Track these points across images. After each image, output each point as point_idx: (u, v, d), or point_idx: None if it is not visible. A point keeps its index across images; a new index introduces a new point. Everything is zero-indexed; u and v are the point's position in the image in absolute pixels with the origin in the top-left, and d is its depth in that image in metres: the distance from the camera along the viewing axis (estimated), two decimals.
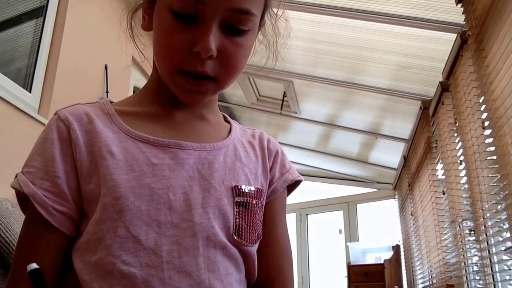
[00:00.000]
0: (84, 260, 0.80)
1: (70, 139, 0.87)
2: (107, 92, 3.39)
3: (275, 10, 1.00)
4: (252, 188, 0.93)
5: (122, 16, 1.01)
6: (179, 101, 0.92)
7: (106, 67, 3.44)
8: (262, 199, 0.95)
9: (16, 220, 2.14)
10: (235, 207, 0.89)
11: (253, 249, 0.92)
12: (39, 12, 2.94)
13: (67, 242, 0.85)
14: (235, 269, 0.88)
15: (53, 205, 0.82)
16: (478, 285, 2.98)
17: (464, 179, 3.15)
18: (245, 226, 0.89)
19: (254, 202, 0.92)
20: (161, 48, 0.88)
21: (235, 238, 0.87)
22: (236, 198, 0.89)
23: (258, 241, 0.93)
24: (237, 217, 0.88)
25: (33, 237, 0.84)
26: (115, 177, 0.82)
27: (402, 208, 5.82)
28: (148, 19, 0.93)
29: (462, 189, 3.21)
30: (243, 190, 0.91)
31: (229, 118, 1.06)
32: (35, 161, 0.86)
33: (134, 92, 3.75)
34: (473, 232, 2.97)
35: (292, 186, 1.05)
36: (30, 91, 2.80)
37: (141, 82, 3.86)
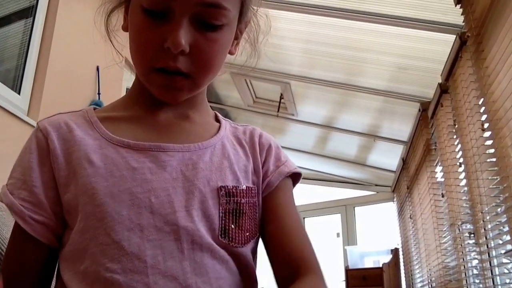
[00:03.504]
0: (72, 270, 0.81)
1: (48, 149, 0.87)
2: (99, 93, 3.36)
3: (255, 7, 1.01)
4: (241, 187, 0.91)
5: (96, 17, 1.00)
6: (162, 102, 0.93)
7: (97, 68, 3.40)
8: (254, 197, 0.93)
9: (5, 224, 2.11)
10: (221, 208, 0.87)
11: (245, 250, 0.90)
12: (29, 12, 2.91)
13: (48, 252, 0.86)
14: (227, 272, 0.85)
15: (30, 214, 0.83)
16: None
17: (464, 182, 3.14)
18: (233, 227, 0.87)
19: (243, 201, 0.90)
20: (134, 47, 0.89)
21: (222, 240, 0.85)
22: (222, 199, 0.88)
23: (252, 241, 0.91)
24: (224, 218, 0.87)
25: (16, 248, 0.87)
26: (95, 185, 0.82)
27: (400, 211, 5.82)
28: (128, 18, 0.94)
29: (462, 191, 3.21)
30: (231, 190, 0.89)
31: (220, 117, 1.05)
32: (15, 172, 0.88)
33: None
34: (472, 235, 2.97)
35: (293, 180, 1.03)
36: (19, 93, 2.77)
37: None
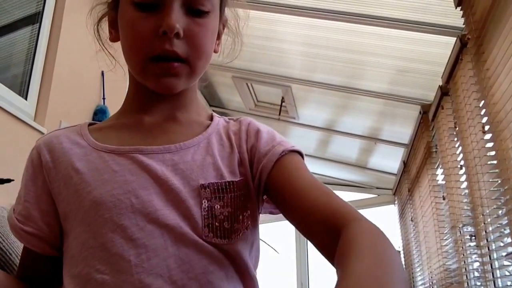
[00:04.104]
0: (71, 275, 0.85)
1: (41, 164, 0.94)
2: (103, 98, 3.37)
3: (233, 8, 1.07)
4: (224, 182, 0.90)
5: (87, 21, 1.05)
6: (148, 106, 0.97)
7: (102, 73, 3.41)
8: (241, 190, 0.91)
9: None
10: (203, 205, 0.87)
11: (237, 245, 0.89)
12: (35, 18, 2.93)
13: (50, 260, 0.94)
14: (217, 267, 0.85)
15: (21, 226, 0.91)
16: None
17: (465, 184, 3.14)
18: (217, 224, 0.87)
19: (227, 196, 0.89)
20: (129, 42, 0.92)
21: (208, 236, 0.86)
22: (204, 196, 0.88)
23: (242, 235, 0.90)
24: (207, 216, 0.87)
25: (23, 257, 0.98)
26: (81, 192, 0.87)
27: (402, 213, 5.81)
28: (114, 31, 0.98)
29: (463, 194, 3.20)
30: (213, 187, 0.89)
31: (215, 115, 1.06)
32: (20, 189, 0.96)
33: None
34: (474, 237, 2.96)
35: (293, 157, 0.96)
36: (26, 98, 2.79)
37: None
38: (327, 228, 0.79)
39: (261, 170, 0.92)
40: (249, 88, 5.05)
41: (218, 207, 0.88)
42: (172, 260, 0.82)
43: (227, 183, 0.90)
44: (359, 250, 0.67)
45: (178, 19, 0.87)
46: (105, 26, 1.03)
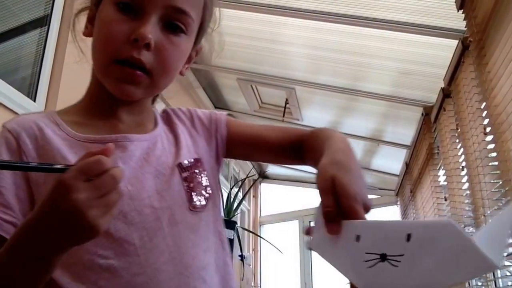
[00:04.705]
0: (63, 265, 0.81)
1: (19, 150, 0.89)
2: None
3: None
4: (192, 159, 1.01)
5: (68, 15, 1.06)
6: (110, 111, 0.98)
7: None
8: (206, 164, 1.04)
9: None
10: (184, 182, 0.96)
11: (208, 213, 0.99)
12: (43, 21, 2.95)
13: None
14: (200, 240, 0.95)
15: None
16: None
17: (466, 185, 3.14)
18: (194, 195, 0.97)
19: (197, 171, 1.00)
20: (100, 40, 0.92)
21: (191, 209, 0.95)
22: (183, 174, 0.97)
23: (211, 202, 1.00)
24: (188, 190, 0.96)
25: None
26: None
27: (404, 214, 5.81)
28: (91, 27, 0.98)
29: (464, 195, 3.21)
30: (186, 165, 0.99)
31: (157, 114, 1.10)
32: None
33: None
34: None
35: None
36: (34, 100, 2.80)
37: None
38: (295, 147, 1.06)
39: (220, 138, 1.10)
40: (253, 90, 5.07)
41: (193, 181, 0.98)
42: (169, 238, 0.89)
43: (194, 160, 1.01)
44: (326, 135, 0.96)
45: (152, 30, 0.88)
46: (83, 19, 1.03)
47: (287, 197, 7.06)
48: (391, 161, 5.68)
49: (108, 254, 0.83)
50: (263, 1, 3.47)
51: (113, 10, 0.89)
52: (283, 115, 5.08)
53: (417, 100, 4.12)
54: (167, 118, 1.09)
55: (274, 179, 7.40)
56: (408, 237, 0.63)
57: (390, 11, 3.18)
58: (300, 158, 1.06)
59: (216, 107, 5.65)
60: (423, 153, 4.41)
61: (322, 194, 0.73)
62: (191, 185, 0.97)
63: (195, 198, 0.97)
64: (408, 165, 5.17)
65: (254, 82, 4.82)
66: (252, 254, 6.59)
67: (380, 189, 6.66)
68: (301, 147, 1.04)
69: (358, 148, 5.56)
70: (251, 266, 3.76)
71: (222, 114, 1.14)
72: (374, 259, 0.66)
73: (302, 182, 7.07)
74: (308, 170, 6.70)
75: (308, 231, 0.79)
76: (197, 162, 1.02)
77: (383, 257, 0.65)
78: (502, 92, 2.40)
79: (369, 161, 5.91)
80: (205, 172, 1.02)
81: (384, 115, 4.71)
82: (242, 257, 2.85)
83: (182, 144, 1.03)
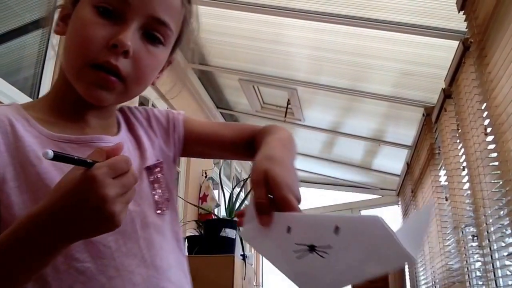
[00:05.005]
0: None
1: None
2: None
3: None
4: (155, 162, 1.02)
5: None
6: (76, 113, 0.95)
7: None
8: (165, 165, 1.05)
9: None
10: (150, 185, 0.98)
11: (169, 215, 1.00)
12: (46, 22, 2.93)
13: None
14: (167, 241, 0.97)
15: None
16: None
17: (467, 185, 3.16)
18: (159, 197, 0.98)
19: (159, 174, 1.01)
20: (76, 41, 0.89)
21: (158, 212, 0.97)
22: (150, 178, 0.99)
23: (171, 204, 1.02)
24: (154, 193, 0.98)
25: None
26: (48, 181, 0.83)
27: (405, 214, 5.83)
28: (63, 24, 0.94)
29: (465, 195, 3.22)
30: (151, 168, 1.00)
31: (119, 116, 1.09)
32: None
33: (139, 101, 3.76)
34: (475, 237, 2.98)
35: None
36: None
37: (146, 91, 3.82)
38: (249, 144, 1.09)
39: (177, 137, 1.11)
40: (255, 91, 5.08)
41: (159, 183, 1.00)
42: (141, 240, 0.90)
43: (157, 163, 1.02)
44: (271, 131, 1.03)
45: (132, 38, 0.87)
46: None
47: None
48: (392, 161, 5.70)
49: (84, 258, 0.82)
50: (265, 2, 3.49)
51: (92, 13, 0.87)
52: (285, 116, 5.10)
53: (418, 101, 4.14)
54: (126, 118, 1.08)
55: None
56: (336, 230, 0.66)
57: (391, 13, 3.20)
58: (253, 154, 1.06)
59: (218, 108, 5.67)
60: (424, 153, 4.43)
61: (254, 186, 0.76)
62: (156, 187, 0.99)
63: (160, 201, 0.98)
64: (409, 165, 5.20)
65: (256, 82, 4.84)
66: (254, 253, 6.60)
67: (382, 189, 6.69)
68: (253, 144, 1.08)
69: (359, 148, 5.59)
70: (253, 266, 3.77)
71: (179, 113, 1.15)
72: (303, 250, 0.69)
73: (304, 182, 7.09)
74: (309, 170, 6.72)
75: (239, 218, 0.81)
76: (159, 164, 1.02)
77: (312, 248, 0.68)
78: (503, 92, 2.41)
79: (370, 161, 5.94)
80: (165, 174, 1.03)
81: (386, 116, 4.73)
82: (244, 257, 2.87)
83: (144, 146, 1.03)
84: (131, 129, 1.06)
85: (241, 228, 0.81)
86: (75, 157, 0.66)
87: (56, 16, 0.98)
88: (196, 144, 1.14)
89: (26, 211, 0.73)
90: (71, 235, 0.71)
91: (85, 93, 0.90)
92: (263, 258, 7.08)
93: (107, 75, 0.87)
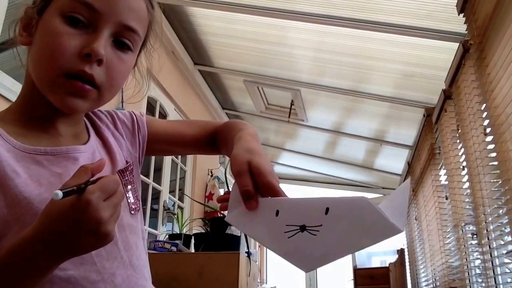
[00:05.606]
0: None
1: None
2: (122, 102, 3.46)
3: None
4: (125, 164, 1.04)
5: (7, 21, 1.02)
6: (47, 122, 0.95)
7: None
8: (134, 166, 1.08)
9: None
10: (124, 188, 1.00)
11: (140, 216, 1.04)
12: None
13: None
14: (140, 240, 1.01)
15: None
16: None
17: (467, 185, 3.16)
18: (131, 199, 1.02)
19: (129, 176, 1.04)
20: (46, 52, 0.87)
21: (131, 213, 1.00)
22: (123, 181, 1.00)
23: (139, 203, 1.05)
24: (128, 195, 1.01)
25: None
26: (27, 194, 0.82)
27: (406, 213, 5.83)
28: (27, 35, 0.93)
29: (465, 194, 3.23)
30: (124, 171, 1.02)
31: (87, 122, 1.08)
32: None
33: (148, 102, 3.80)
34: (475, 236, 2.99)
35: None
36: None
37: (154, 92, 3.92)
38: (211, 139, 1.17)
39: (142, 138, 1.14)
40: (260, 92, 5.12)
41: (131, 186, 1.03)
42: (120, 242, 0.93)
43: (126, 165, 1.04)
44: (238, 127, 1.09)
45: (105, 46, 0.88)
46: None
47: (291, 196, 7.05)
48: (393, 161, 5.74)
49: (66, 266, 0.81)
50: (269, 5, 3.52)
51: (61, 23, 0.87)
52: (289, 116, 5.14)
53: (419, 102, 4.17)
54: (92, 122, 1.07)
55: (278, 178, 7.41)
56: (327, 210, 0.73)
57: (393, 15, 3.23)
58: (216, 149, 1.18)
59: (223, 108, 5.72)
60: (424, 153, 4.45)
61: (238, 176, 0.82)
62: (129, 189, 1.02)
63: (132, 201, 1.01)
64: (410, 165, 5.22)
65: (260, 84, 4.88)
66: (258, 250, 6.63)
67: (383, 188, 6.72)
68: (215, 139, 1.17)
69: (361, 148, 5.62)
70: (257, 263, 3.81)
71: (142, 114, 1.18)
72: (294, 230, 0.75)
73: (306, 181, 7.14)
74: (312, 170, 6.76)
75: (221, 203, 0.89)
76: (128, 166, 1.04)
77: (303, 228, 0.74)
78: (502, 93, 2.43)
79: (372, 161, 5.97)
80: (134, 175, 1.06)
81: (387, 116, 4.77)
82: (248, 254, 2.90)
83: (113, 149, 1.04)
84: (99, 133, 1.06)
85: (226, 214, 0.85)
86: (75, 188, 0.69)
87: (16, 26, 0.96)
88: (160, 143, 1.18)
89: (18, 236, 0.73)
90: (67, 255, 0.74)
91: (60, 102, 0.89)
92: (267, 255, 7.13)
93: (83, 84, 0.87)
